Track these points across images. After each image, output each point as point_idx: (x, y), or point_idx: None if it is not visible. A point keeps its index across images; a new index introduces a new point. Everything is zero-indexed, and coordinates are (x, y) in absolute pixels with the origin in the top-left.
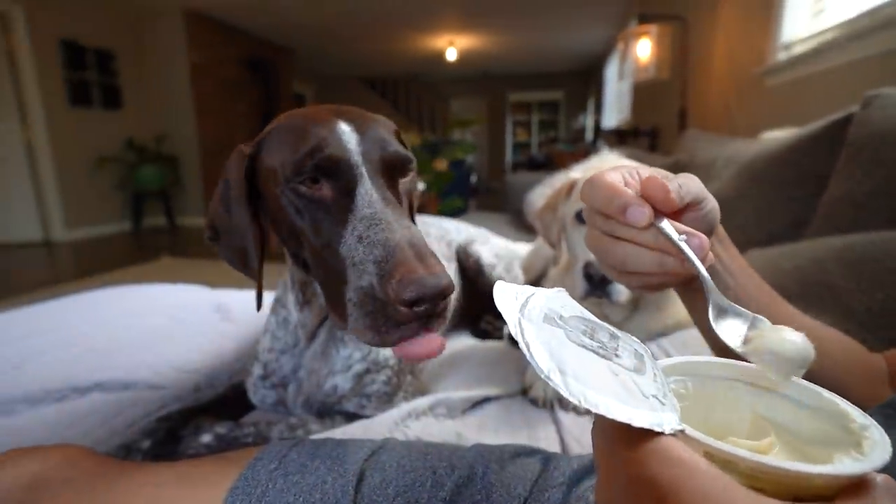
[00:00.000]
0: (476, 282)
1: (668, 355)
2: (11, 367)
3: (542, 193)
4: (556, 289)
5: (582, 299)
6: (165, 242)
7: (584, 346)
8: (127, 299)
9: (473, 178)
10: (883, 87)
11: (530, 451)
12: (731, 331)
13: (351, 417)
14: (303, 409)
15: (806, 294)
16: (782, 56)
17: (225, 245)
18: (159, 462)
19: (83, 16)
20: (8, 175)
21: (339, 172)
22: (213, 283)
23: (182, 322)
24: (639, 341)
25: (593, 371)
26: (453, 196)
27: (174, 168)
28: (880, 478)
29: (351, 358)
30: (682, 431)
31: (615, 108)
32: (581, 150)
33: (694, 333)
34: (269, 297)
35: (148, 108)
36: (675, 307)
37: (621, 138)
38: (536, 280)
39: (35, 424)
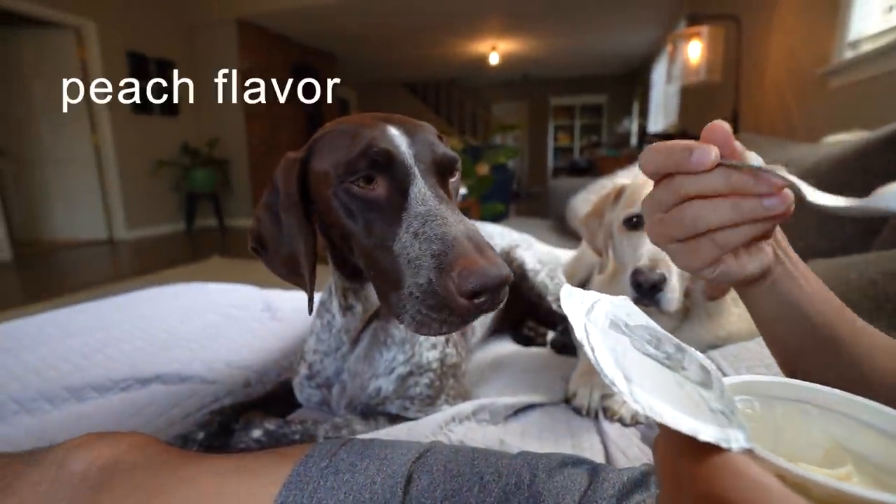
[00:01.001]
0: (519, 287)
1: (720, 368)
2: (81, 357)
3: (585, 199)
4: (621, 297)
5: None
6: (216, 242)
7: (649, 356)
8: (182, 297)
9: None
10: None
11: (577, 461)
12: (832, 201)
13: (394, 419)
14: (346, 410)
15: (879, 308)
16: (849, 55)
17: (273, 255)
18: (214, 453)
19: (147, 28)
20: (77, 177)
21: (393, 169)
22: (262, 283)
23: (233, 319)
24: (704, 356)
25: (659, 380)
26: (494, 201)
27: (224, 171)
28: None
29: (394, 361)
30: (749, 450)
31: (662, 112)
32: (625, 155)
33: (749, 346)
34: (315, 298)
35: (202, 113)
36: (727, 318)
37: None
38: (580, 286)
39: (103, 411)
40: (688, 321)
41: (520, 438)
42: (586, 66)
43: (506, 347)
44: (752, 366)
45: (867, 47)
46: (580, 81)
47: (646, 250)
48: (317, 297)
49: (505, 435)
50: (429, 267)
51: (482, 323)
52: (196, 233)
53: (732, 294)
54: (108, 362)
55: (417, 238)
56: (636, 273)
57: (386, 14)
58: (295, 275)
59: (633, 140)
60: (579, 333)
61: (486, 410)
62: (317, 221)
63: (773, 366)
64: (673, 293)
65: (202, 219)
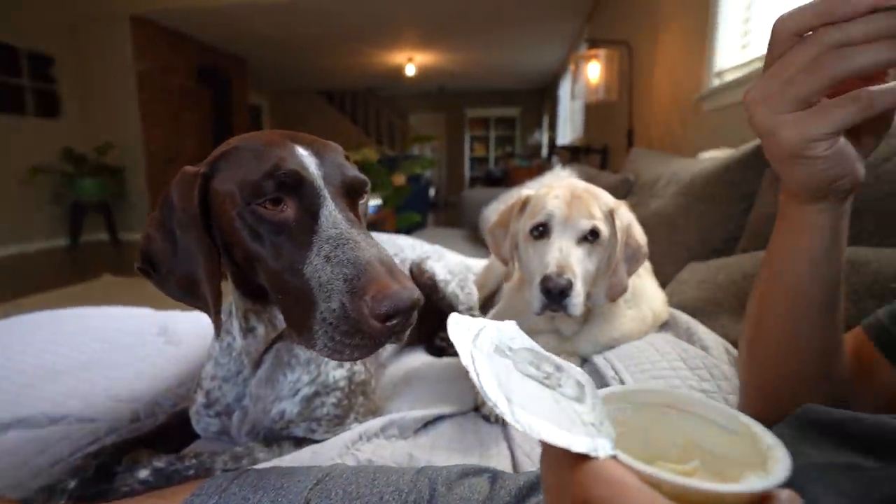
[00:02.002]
0: (430, 298)
1: (614, 367)
2: None
3: (497, 209)
4: (507, 322)
5: (539, 313)
6: (107, 259)
7: (530, 377)
8: (60, 323)
9: (432, 193)
10: None
11: (478, 471)
12: None
13: (301, 443)
14: (248, 438)
15: (740, 306)
16: (716, 83)
17: (167, 276)
18: None
19: (18, 17)
20: None
21: (302, 192)
22: (159, 304)
23: (121, 347)
24: (581, 371)
25: (538, 400)
26: (411, 211)
27: (118, 180)
28: (784, 493)
29: (298, 382)
30: (614, 456)
31: (569, 126)
32: (536, 165)
33: (638, 345)
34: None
35: (89, 116)
36: (621, 320)
37: (574, 155)
38: (491, 295)
39: None
40: (588, 324)
41: (429, 451)
42: (500, 81)
43: (418, 359)
44: (639, 360)
45: (729, 77)
46: (495, 95)
47: (552, 258)
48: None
49: (414, 449)
50: (341, 291)
51: None
52: (83, 248)
53: (626, 297)
54: None
55: (329, 262)
56: (545, 280)
57: (298, 20)
58: (192, 297)
59: (544, 151)
60: (465, 360)
61: (394, 426)
62: (216, 242)
63: (661, 361)
64: (578, 297)
65: (90, 233)
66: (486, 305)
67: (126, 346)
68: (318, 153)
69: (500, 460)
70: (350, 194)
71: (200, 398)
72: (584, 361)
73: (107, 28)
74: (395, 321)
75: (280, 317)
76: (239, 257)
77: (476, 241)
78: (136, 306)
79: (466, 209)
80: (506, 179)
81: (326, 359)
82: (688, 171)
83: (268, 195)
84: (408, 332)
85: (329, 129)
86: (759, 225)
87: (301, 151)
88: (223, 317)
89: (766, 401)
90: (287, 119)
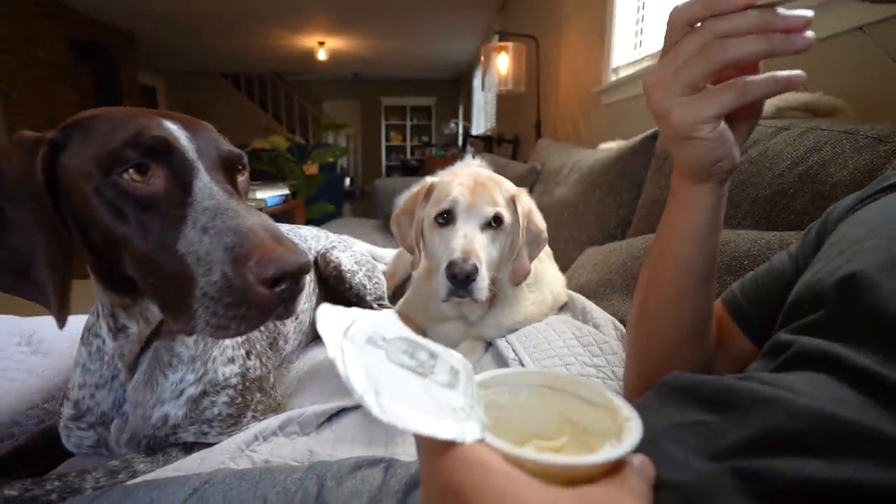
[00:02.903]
0: (337, 289)
1: (514, 349)
2: None
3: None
4: (385, 311)
5: (446, 299)
6: None
7: (402, 366)
8: None
9: (348, 183)
10: None
11: (373, 461)
12: None
13: (192, 448)
14: (129, 448)
15: (628, 286)
16: (612, 78)
17: None
18: None
19: None
20: None
21: (171, 161)
22: (25, 310)
23: None
24: (460, 357)
25: (408, 389)
26: (324, 201)
27: None
28: (637, 459)
29: (182, 382)
30: (482, 440)
31: (483, 116)
32: (452, 154)
33: (538, 327)
34: (79, 320)
35: None
36: (524, 304)
37: (488, 145)
38: (402, 284)
39: None
40: (492, 309)
41: (332, 446)
42: (416, 70)
43: (324, 353)
44: (538, 341)
45: (624, 73)
46: (411, 84)
47: (458, 244)
48: (81, 320)
49: (316, 445)
50: (222, 261)
51: (299, 330)
52: None
53: (528, 281)
54: None
55: (207, 233)
56: (451, 265)
57: None
58: (25, 285)
59: (460, 141)
60: (332, 352)
61: (294, 422)
62: (71, 224)
63: (557, 340)
64: (483, 282)
65: None
66: (396, 294)
67: None
68: (188, 128)
69: (405, 448)
70: (227, 169)
71: (68, 410)
72: (490, 345)
73: None
74: (283, 286)
75: (153, 309)
76: (98, 242)
77: (389, 230)
78: None
79: (380, 198)
80: (422, 168)
81: (214, 356)
82: (587, 161)
83: (130, 163)
84: (299, 301)
85: (236, 115)
86: (646, 211)
87: (169, 124)
88: (91, 319)
89: (648, 370)
90: (188, 103)
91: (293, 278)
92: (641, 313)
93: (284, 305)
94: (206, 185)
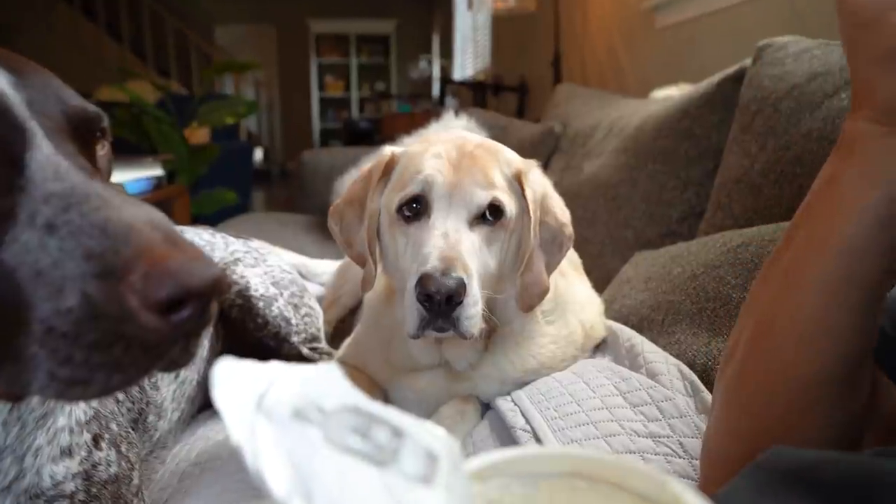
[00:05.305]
0: (244, 329)
1: (524, 413)
2: None
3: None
4: (325, 365)
5: (417, 335)
6: None
7: (349, 452)
8: None
9: (259, 157)
10: (778, 36)
11: None
12: None
13: None
14: None
15: (702, 311)
16: None
17: None
18: None
19: None
20: None
21: None
22: None
23: None
24: (441, 433)
25: (358, 489)
26: (221, 187)
27: None
28: None
29: None
30: None
31: (471, 52)
32: (423, 111)
33: (560, 377)
34: None
35: None
36: (539, 342)
37: (480, 95)
38: (347, 316)
39: None
40: (490, 352)
41: None
42: None
43: (223, 432)
44: (562, 403)
45: None
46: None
47: (434, 248)
48: None
49: None
50: (82, 276)
51: (182, 395)
52: None
53: (544, 307)
54: None
55: (54, 233)
56: (424, 280)
57: None
58: None
59: (435, 89)
60: (237, 435)
61: None
62: None
63: (593, 398)
64: (475, 307)
65: None
66: (340, 332)
67: None
68: (14, 70)
69: None
70: (80, 136)
71: None
72: (488, 408)
73: None
74: (184, 312)
75: None
76: None
77: (326, 230)
78: None
79: (310, 182)
80: (377, 133)
81: (40, 444)
82: (634, 118)
83: None
84: (204, 337)
85: (67, 47)
86: (728, 194)
87: None
88: None
89: (757, 428)
90: None
91: (200, 299)
92: (752, 354)
93: (184, 343)
94: (48, 159)
